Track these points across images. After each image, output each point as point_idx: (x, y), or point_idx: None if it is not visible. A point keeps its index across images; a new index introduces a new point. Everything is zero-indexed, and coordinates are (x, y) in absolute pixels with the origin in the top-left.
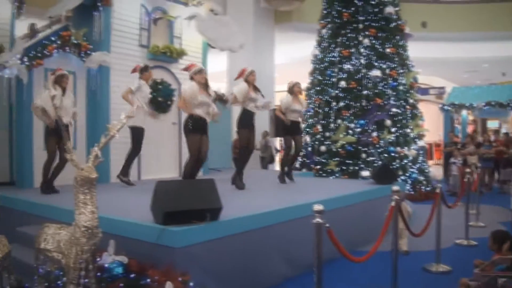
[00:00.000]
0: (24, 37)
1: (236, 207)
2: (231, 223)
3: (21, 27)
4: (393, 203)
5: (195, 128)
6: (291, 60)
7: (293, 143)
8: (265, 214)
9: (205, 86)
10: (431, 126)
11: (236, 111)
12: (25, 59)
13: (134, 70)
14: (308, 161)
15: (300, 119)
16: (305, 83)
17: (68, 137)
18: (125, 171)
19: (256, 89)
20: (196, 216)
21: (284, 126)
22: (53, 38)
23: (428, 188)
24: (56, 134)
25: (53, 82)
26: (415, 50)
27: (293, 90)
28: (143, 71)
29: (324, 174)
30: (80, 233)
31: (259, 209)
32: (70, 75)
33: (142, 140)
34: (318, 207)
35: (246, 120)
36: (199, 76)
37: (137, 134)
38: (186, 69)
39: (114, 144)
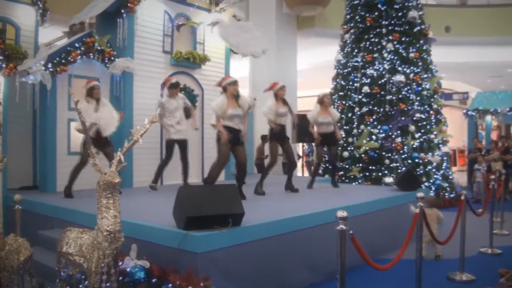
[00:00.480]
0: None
1: (258, 213)
2: (253, 229)
3: (45, 34)
4: (417, 210)
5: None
6: (313, 66)
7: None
8: (287, 220)
9: (236, 97)
10: (454, 132)
11: (258, 118)
12: (49, 65)
13: (164, 83)
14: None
15: (332, 129)
16: (328, 88)
17: (108, 145)
18: (155, 178)
19: (285, 102)
20: (218, 221)
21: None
22: (77, 45)
23: (452, 195)
24: (93, 142)
25: (86, 95)
26: (438, 55)
27: (323, 100)
28: (172, 87)
29: (346, 180)
30: (103, 237)
31: (281, 215)
32: (94, 81)
33: (170, 152)
34: (342, 213)
35: (276, 133)
36: (232, 87)
37: (166, 146)
38: (220, 83)
39: (137, 149)
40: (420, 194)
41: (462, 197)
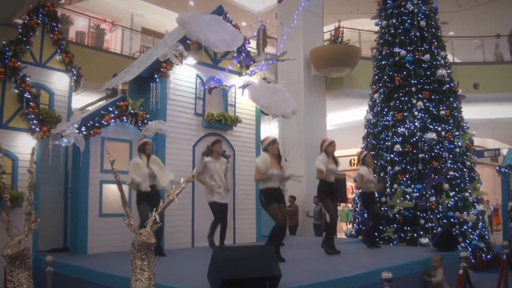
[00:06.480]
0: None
1: (294, 275)
2: None
3: (78, 100)
4: (460, 271)
5: (269, 199)
6: (342, 126)
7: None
8: (326, 283)
9: (278, 157)
10: (486, 190)
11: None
12: (83, 128)
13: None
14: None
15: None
16: (358, 148)
17: (159, 201)
18: (210, 233)
19: (335, 160)
20: (254, 283)
21: (366, 198)
22: (110, 108)
23: (489, 256)
24: (146, 198)
25: (138, 151)
26: (467, 111)
27: (365, 160)
28: (214, 144)
29: (381, 242)
30: None
31: (319, 277)
32: (127, 144)
33: (221, 214)
34: (386, 274)
35: (325, 191)
36: (273, 147)
37: (212, 208)
38: (262, 142)
39: (169, 210)
40: (463, 254)
41: (504, 257)
